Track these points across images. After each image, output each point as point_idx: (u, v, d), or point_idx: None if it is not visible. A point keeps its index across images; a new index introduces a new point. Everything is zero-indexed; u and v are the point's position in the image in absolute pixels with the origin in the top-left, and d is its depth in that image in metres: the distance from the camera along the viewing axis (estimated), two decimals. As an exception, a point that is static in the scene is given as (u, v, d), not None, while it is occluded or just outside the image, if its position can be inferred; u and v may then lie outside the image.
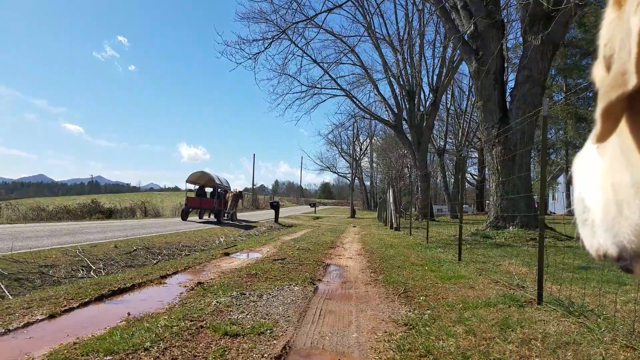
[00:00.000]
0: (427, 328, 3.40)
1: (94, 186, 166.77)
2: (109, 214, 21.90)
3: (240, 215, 25.05)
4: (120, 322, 3.51)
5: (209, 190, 20.53)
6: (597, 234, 0.47)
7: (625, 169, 0.38)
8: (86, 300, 4.26)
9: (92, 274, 6.74)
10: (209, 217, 20.73)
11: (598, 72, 0.39)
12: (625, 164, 0.38)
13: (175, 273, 6.10)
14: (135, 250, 8.84)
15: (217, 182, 19.74)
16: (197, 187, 20.29)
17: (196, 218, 20.91)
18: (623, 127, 0.38)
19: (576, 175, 0.54)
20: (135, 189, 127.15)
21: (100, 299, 4.42)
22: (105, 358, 2.63)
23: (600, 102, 0.35)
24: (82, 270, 6.79)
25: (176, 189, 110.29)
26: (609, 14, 0.37)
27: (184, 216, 19.05)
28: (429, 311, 3.94)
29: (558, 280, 5.09)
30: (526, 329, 3.30)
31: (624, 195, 0.39)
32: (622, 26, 0.34)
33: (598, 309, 3.79)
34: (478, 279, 5.50)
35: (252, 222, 21.60)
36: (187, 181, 20.03)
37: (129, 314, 3.76)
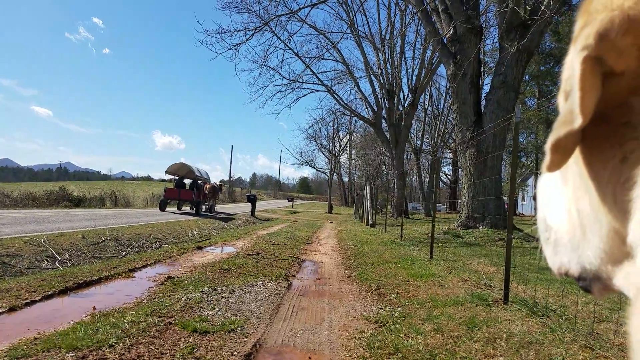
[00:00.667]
0: (397, 326, 3.48)
1: (63, 173, 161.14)
2: (78, 202, 21.31)
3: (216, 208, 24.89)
4: (85, 316, 3.39)
5: (188, 182, 20.48)
6: (559, 253, 0.49)
7: (586, 196, 0.40)
8: (50, 293, 4.09)
9: (57, 265, 6.52)
10: (191, 209, 20.61)
11: (560, 102, 0.40)
12: (585, 192, 0.40)
13: (144, 266, 5.94)
14: (104, 241, 8.59)
15: (197, 174, 19.73)
16: (176, 178, 20.30)
17: (174, 209, 20.74)
18: (579, 157, 0.40)
19: (540, 196, 0.57)
20: (106, 177, 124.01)
21: (64, 292, 4.25)
22: (67, 355, 2.53)
23: (551, 136, 0.36)
24: (47, 260, 6.56)
25: (149, 179, 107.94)
26: (571, 49, 0.38)
27: (162, 207, 18.86)
28: (399, 309, 4.04)
29: (524, 280, 5.30)
30: (492, 328, 3.43)
31: (586, 221, 0.41)
32: (572, 65, 0.36)
33: (560, 309, 3.96)
34: (448, 277, 5.66)
35: (231, 214, 21.51)
36: (166, 172, 19.93)
37: (94, 308, 3.64)
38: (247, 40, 18.58)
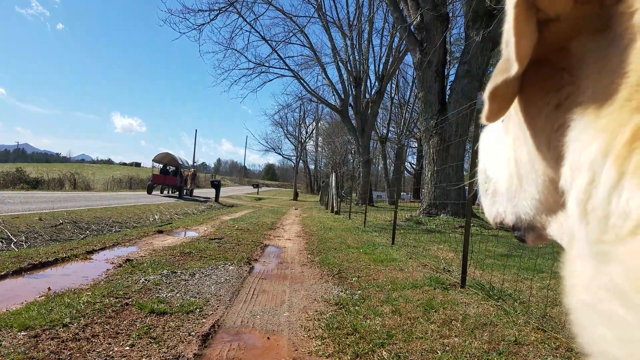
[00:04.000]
0: (357, 307, 3.48)
1: (21, 154, 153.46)
2: (35, 184, 20.83)
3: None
4: (39, 297, 3.31)
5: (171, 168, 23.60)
6: (497, 203, 0.50)
7: (524, 145, 0.40)
8: (3, 273, 4.00)
9: (12, 247, 6.23)
10: (173, 192, 23.31)
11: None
12: (523, 141, 0.40)
13: (102, 249, 5.79)
14: (62, 223, 8.26)
15: (180, 162, 23.07)
16: (160, 165, 23.59)
17: (158, 192, 23.01)
18: (518, 106, 0.39)
19: (481, 147, 0.56)
20: (66, 160, 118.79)
21: (18, 272, 4.15)
22: (19, 334, 2.46)
23: (488, 84, 0.36)
24: (2, 242, 6.28)
25: (109, 162, 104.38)
26: None
27: (149, 190, 21.69)
28: (359, 291, 4.04)
29: (481, 266, 5.43)
30: (448, 310, 3.48)
31: (523, 170, 0.41)
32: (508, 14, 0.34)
33: (515, 293, 4.08)
34: (408, 262, 5.73)
35: (206, 198, 23.11)
36: (153, 160, 23.36)
37: (49, 289, 3.55)
38: (211, 20, 18.01)
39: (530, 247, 0.47)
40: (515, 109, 0.40)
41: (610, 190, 0.27)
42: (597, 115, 0.29)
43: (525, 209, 0.42)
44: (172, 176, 22.24)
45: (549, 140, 0.35)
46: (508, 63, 0.33)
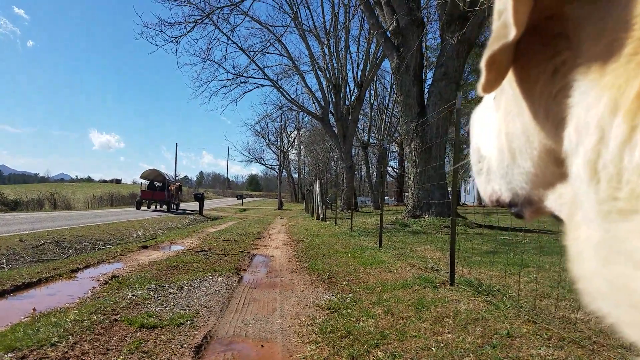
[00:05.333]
0: (349, 310, 3.48)
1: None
2: (14, 206, 20.45)
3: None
4: (25, 318, 3.21)
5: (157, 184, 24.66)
6: (491, 181, 0.49)
7: (517, 118, 0.39)
8: None
9: (-7, 269, 5.99)
10: (161, 207, 24.20)
11: (494, 24, 0.39)
12: (517, 114, 0.39)
13: (87, 267, 5.66)
14: (44, 244, 8.02)
15: (167, 177, 24.32)
16: (147, 181, 24.64)
17: (145, 208, 23.52)
18: (512, 77, 0.39)
19: (473, 127, 0.57)
20: (44, 180, 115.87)
21: (1, 294, 4.04)
22: (5, 356, 2.40)
23: (485, 53, 0.36)
24: (-18, 266, 6.03)
25: (89, 180, 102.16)
26: None
27: (138, 206, 22.27)
28: (350, 295, 4.04)
29: (468, 263, 5.49)
30: (439, 307, 3.51)
31: (517, 144, 0.40)
32: None
33: (504, 288, 4.14)
34: (396, 263, 5.76)
35: (192, 210, 23.17)
36: (140, 177, 24.63)
37: (34, 309, 3.46)
38: (188, 32, 17.93)
39: (529, 221, 0.47)
40: (508, 81, 0.40)
41: (622, 146, 0.27)
42: (601, 74, 0.29)
43: (522, 184, 0.42)
44: (159, 191, 23.38)
45: (547, 107, 0.35)
46: (505, 29, 0.33)
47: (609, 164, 0.28)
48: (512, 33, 0.33)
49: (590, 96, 0.29)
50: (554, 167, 0.36)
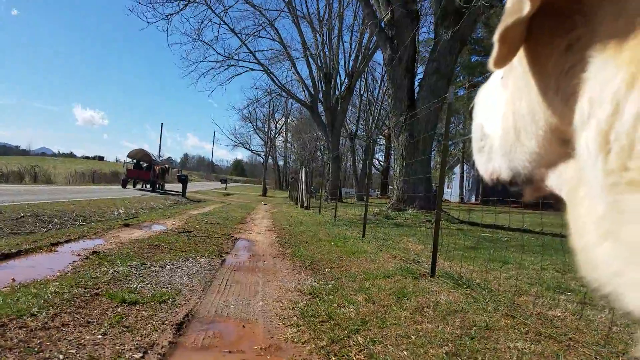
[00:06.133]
0: (331, 297, 3.51)
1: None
2: None
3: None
4: (4, 287, 3.14)
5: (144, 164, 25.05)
6: (492, 159, 0.50)
7: (524, 97, 0.40)
8: None
9: (-29, 240, 5.85)
10: (145, 187, 24.06)
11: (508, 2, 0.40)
12: (525, 92, 0.40)
13: (68, 241, 5.53)
14: (23, 217, 7.84)
15: (153, 158, 24.69)
16: (134, 161, 25.24)
17: (131, 187, 23.55)
18: (523, 55, 0.40)
19: (478, 104, 0.56)
20: (25, 153, 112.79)
21: None
22: None
23: (499, 27, 0.36)
24: (-41, 236, 5.89)
25: (71, 155, 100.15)
26: None
27: (124, 184, 22.45)
28: (332, 282, 4.07)
29: (450, 257, 5.58)
30: (420, 298, 3.57)
31: (522, 123, 0.41)
32: None
33: (484, 283, 4.22)
34: (379, 253, 5.82)
35: (178, 192, 22.86)
36: (127, 156, 25.03)
37: (13, 279, 3.38)
38: (180, 10, 17.65)
39: (528, 200, 0.49)
40: (519, 58, 0.40)
41: (636, 118, 0.27)
42: (618, 50, 0.29)
43: (524, 163, 0.42)
44: (145, 171, 23.74)
45: (558, 83, 0.35)
46: (520, 3, 0.34)
47: (622, 135, 0.28)
48: (526, 8, 0.33)
49: (607, 71, 0.30)
50: (557, 147, 0.37)
